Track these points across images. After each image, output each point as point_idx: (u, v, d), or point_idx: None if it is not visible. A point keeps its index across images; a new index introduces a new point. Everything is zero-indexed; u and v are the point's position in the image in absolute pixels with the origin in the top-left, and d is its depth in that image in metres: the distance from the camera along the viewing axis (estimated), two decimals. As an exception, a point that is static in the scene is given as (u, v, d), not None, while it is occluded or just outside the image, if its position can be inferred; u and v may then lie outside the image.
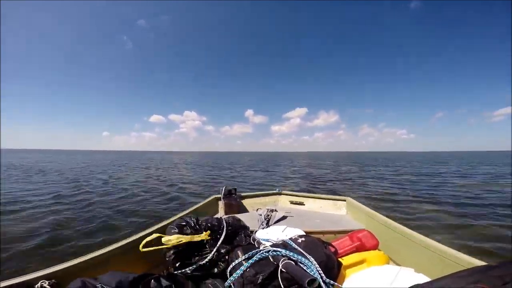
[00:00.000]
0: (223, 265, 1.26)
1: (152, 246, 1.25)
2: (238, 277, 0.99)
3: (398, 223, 1.74)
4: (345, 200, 2.72)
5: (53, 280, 1.08)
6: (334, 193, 7.91)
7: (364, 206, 2.31)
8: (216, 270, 1.25)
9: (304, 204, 2.96)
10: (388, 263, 1.41)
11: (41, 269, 1.13)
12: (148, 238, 1.25)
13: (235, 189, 2.98)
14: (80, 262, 1.23)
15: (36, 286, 1.03)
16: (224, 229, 1.46)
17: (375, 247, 1.55)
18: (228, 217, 1.65)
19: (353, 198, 2.65)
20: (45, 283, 1.05)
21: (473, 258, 1.13)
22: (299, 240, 1.14)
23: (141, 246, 1.22)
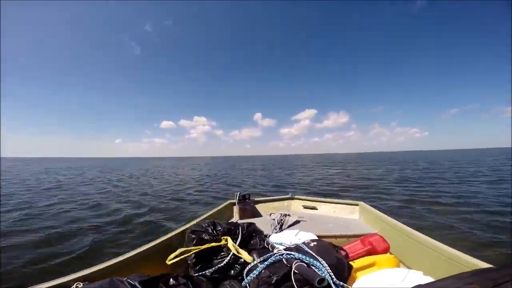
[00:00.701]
0: (239, 267, 1.35)
1: (174, 252, 1.36)
2: (253, 278, 1.07)
3: (410, 227, 1.77)
4: (358, 205, 2.74)
5: (86, 282, 1.17)
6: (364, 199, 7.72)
7: (376, 211, 2.34)
8: (233, 272, 1.34)
9: (317, 209, 3.00)
10: (399, 266, 1.45)
11: (75, 272, 1.23)
12: (175, 253, 1.36)
13: (249, 194, 3.06)
14: (110, 265, 1.33)
15: (72, 287, 1.11)
16: (240, 234, 1.55)
17: (386, 250, 1.59)
18: (243, 222, 1.74)
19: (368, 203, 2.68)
20: (80, 284, 1.13)
21: (480, 261, 1.16)
22: (311, 244, 1.21)
23: (168, 260, 1.33)
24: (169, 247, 1.34)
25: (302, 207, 3.11)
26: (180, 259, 1.39)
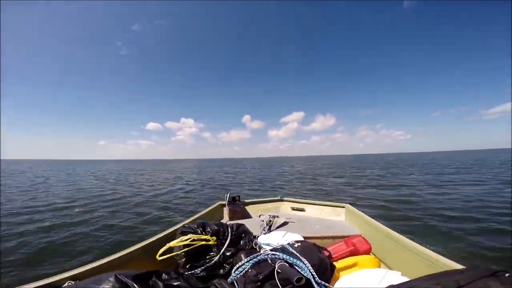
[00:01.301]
0: (228, 266, 1.40)
1: (165, 254, 1.39)
2: (240, 276, 1.13)
3: (391, 228, 1.86)
4: (344, 207, 2.83)
5: (77, 281, 1.18)
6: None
7: (361, 213, 2.43)
8: (221, 271, 1.39)
9: (304, 210, 3.07)
10: (379, 267, 1.52)
11: (66, 271, 1.24)
12: (163, 249, 1.40)
13: (239, 196, 3.11)
14: (100, 264, 1.35)
15: (63, 286, 1.13)
16: (229, 234, 1.59)
17: (368, 251, 1.67)
18: (233, 223, 1.79)
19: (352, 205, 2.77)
20: (71, 283, 1.14)
21: (453, 262, 1.25)
22: (296, 245, 1.27)
23: (158, 255, 1.36)
24: (158, 247, 1.37)
25: (291, 209, 3.18)
26: (170, 258, 1.42)
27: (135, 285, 0.89)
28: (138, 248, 1.59)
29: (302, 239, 1.66)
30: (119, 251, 1.51)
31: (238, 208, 2.88)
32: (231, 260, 1.42)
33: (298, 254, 1.14)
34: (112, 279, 0.90)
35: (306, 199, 3.30)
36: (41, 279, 1.16)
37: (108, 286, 0.87)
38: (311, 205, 3.09)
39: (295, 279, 0.94)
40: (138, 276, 0.94)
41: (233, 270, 1.22)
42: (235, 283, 1.15)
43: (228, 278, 1.22)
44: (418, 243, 1.54)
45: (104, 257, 1.43)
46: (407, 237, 1.66)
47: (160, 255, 1.35)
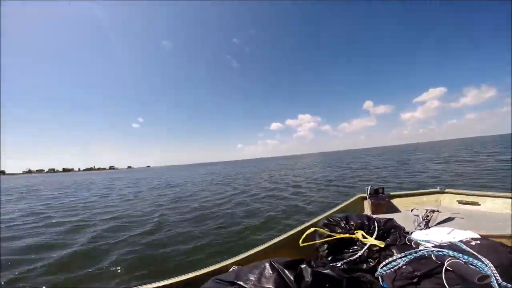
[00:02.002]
0: (373, 261, 1.32)
1: (307, 242, 1.49)
2: (390, 272, 1.04)
3: None
4: None
5: (240, 266, 1.37)
6: None
7: None
8: (365, 266, 1.33)
9: (479, 204, 2.38)
10: None
11: (231, 256, 1.51)
12: (307, 232, 1.50)
13: (383, 188, 2.85)
14: (259, 251, 1.58)
15: (230, 270, 1.33)
16: (376, 229, 1.50)
17: None
18: (379, 216, 1.66)
19: None
20: (235, 268, 1.34)
21: None
22: (473, 243, 1.03)
23: (301, 240, 1.48)
24: (300, 238, 1.48)
25: (457, 202, 2.55)
26: (311, 250, 1.49)
27: (285, 271, 1.00)
28: (283, 239, 1.77)
29: (479, 236, 1.31)
30: (269, 240, 1.74)
31: (383, 201, 2.63)
32: (378, 255, 1.34)
33: (475, 253, 0.92)
34: (267, 265, 1.05)
35: (480, 190, 2.55)
36: (212, 265, 1.43)
37: (265, 272, 1.03)
38: (489, 198, 2.36)
39: (476, 278, 0.76)
40: (288, 263, 1.02)
41: (381, 265, 1.15)
42: (380, 279, 1.08)
43: (371, 273, 1.15)
44: None
45: (251, 249, 1.66)
46: None
47: (303, 244, 1.45)
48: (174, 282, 1.28)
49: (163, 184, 17.88)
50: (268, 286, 0.91)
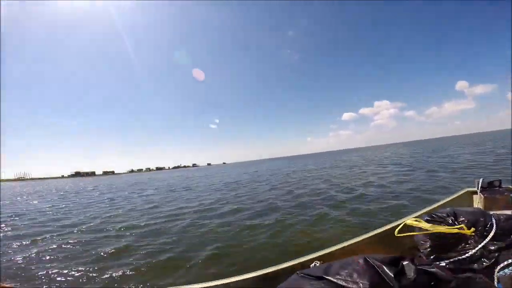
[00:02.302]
0: (487, 262, 1.18)
1: (404, 237, 1.33)
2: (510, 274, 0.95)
3: None
4: None
5: (321, 261, 1.31)
6: None
7: None
8: (476, 266, 1.19)
9: None
10: None
11: (313, 252, 1.44)
12: (407, 222, 1.35)
13: (500, 180, 2.32)
14: (341, 247, 1.50)
15: (311, 265, 1.24)
16: (494, 226, 1.25)
17: None
18: (498, 213, 1.37)
19: None
20: (317, 263, 1.28)
21: None
22: None
23: (396, 230, 1.34)
24: (394, 235, 1.33)
25: None
26: (409, 249, 1.33)
27: (384, 267, 0.90)
28: (374, 235, 1.63)
29: None
30: (358, 236, 1.63)
31: (500, 196, 2.14)
32: (496, 255, 1.18)
33: None
34: (361, 261, 0.96)
35: None
36: (294, 259, 1.39)
37: (358, 267, 0.94)
38: None
39: None
40: (387, 259, 0.94)
41: (499, 267, 1.05)
42: (496, 280, 0.99)
43: (485, 274, 0.99)
44: None
45: (345, 240, 1.57)
46: None
47: (399, 236, 1.31)
48: (254, 276, 1.28)
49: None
50: (362, 282, 0.86)
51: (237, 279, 1.28)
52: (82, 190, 23.47)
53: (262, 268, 1.34)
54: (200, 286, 1.27)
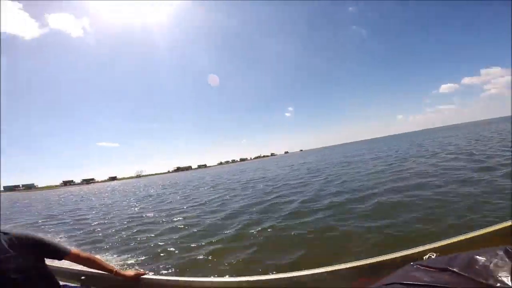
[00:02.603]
0: None
1: None
2: None
3: None
4: None
5: (437, 253, 1.13)
6: None
7: None
8: None
9: None
10: None
11: (428, 243, 1.27)
12: None
13: None
14: (448, 244, 1.25)
15: (424, 257, 1.10)
16: None
17: None
18: None
19: None
20: (433, 255, 1.11)
21: None
22: None
23: None
24: None
25: None
26: None
27: None
28: (497, 230, 1.29)
29: None
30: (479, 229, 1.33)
31: None
32: None
33: None
34: (501, 252, 0.81)
35: None
36: (404, 250, 1.27)
37: (496, 259, 0.79)
38: None
39: None
40: None
41: None
42: None
43: None
44: None
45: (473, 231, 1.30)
46: None
47: None
48: (361, 265, 1.23)
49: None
50: (504, 277, 0.71)
51: (345, 267, 1.25)
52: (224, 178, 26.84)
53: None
54: (307, 273, 1.29)
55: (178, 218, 7.89)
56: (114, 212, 11.56)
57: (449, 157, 12.13)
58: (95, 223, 9.10)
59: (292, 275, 1.31)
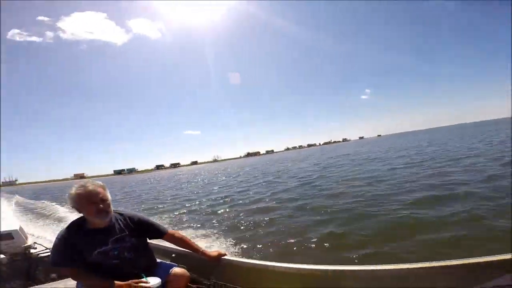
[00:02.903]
0: None
1: None
2: None
3: None
4: None
5: None
6: None
7: None
8: None
9: None
10: None
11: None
12: None
13: None
14: None
15: None
16: None
17: None
18: None
19: None
20: None
21: None
22: None
23: None
24: None
25: None
26: None
27: None
28: None
29: None
30: None
31: None
32: None
33: None
34: None
35: None
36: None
37: None
38: None
39: None
40: None
41: None
42: None
43: None
44: None
45: None
46: None
47: None
48: (456, 264, 1.05)
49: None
50: None
51: (436, 265, 1.08)
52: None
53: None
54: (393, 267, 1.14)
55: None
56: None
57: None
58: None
59: (393, 268, 1.14)
